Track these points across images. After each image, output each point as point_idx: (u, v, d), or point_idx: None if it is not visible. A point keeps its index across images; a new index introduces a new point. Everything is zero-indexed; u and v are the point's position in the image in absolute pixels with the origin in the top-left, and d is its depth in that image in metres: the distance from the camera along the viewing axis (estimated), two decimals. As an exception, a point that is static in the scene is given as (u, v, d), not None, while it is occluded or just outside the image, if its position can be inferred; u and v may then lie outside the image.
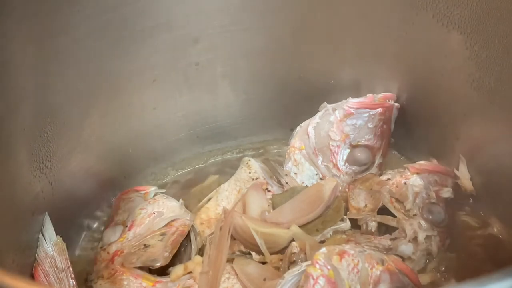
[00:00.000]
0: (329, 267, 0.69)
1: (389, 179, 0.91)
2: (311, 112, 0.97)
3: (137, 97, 0.97)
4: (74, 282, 0.81)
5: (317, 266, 0.69)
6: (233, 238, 0.82)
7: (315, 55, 0.99)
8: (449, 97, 0.90)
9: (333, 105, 0.97)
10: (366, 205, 0.90)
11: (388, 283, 0.71)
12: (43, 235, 0.82)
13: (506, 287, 0.44)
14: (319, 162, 0.96)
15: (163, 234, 0.86)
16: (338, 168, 0.96)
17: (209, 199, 0.95)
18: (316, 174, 0.97)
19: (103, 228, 0.94)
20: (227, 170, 1.03)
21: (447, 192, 0.89)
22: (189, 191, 1.01)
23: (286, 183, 0.95)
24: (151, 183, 1.02)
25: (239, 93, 1.04)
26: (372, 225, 0.87)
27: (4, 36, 0.74)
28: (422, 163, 0.92)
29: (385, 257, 0.74)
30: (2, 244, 0.73)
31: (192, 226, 0.89)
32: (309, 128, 0.96)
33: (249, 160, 0.98)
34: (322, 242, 0.84)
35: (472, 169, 0.90)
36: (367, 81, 0.99)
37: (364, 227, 0.87)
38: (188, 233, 0.88)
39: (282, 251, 0.82)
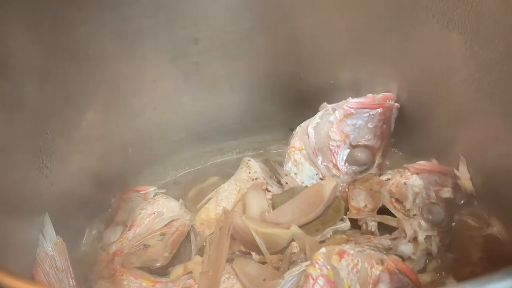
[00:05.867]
0: (328, 267, 0.69)
1: (389, 179, 0.91)
2: (311, 112, 0.97)
3: (137, 97, 0.97)
4: (74, 282, 0.81)
5: (317, 266, 0.69)
6: (233, 238, 0.82)
7: (315, 55, 0.99)
8: (449, 97, 0.90)
9: (333, 105, 0.97)
10: (366, 205, 0.90)
11: (387, 283, 0.71)
12: (43, 235, 0.82)
13: (506, 287, 0.44)
14: (319, 162, 0.96)
15: (163, 234, 0.86)
16: (338, 168, 0.96)
17: (209, 199, 0.96)
18: (316, 174, 0.97)
19: (103, 228, 0.94)
20: (227, 170, 1.03)
21: (447, 192, 0.89)
22: (189, 191, 1.01)
23: (286, 183, 0.95)
24: (151, 183, 1.02)
25: (239, 93, 1.04)
26: (372, 225, 0.87)
27: (4, 36, 0.74)
28: (422, 163, 0.92)
29: (385, 257, 0.74)
30: (2, 244, 0.73)
31: (192, 226, 0.89)
32: (309, 128, 0.96)
33: (249, 160, 0.98)
34: (322, 242, 0.84)
35: (472, 169, 0.90)
36: (367, 81, 0.99)
37: (364, 227, 0.87)
38: (188, 233, 0.88)
39: (282, 251, 0.82)
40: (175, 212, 0.90)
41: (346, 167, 0.97)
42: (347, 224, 0.87)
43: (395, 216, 0.86)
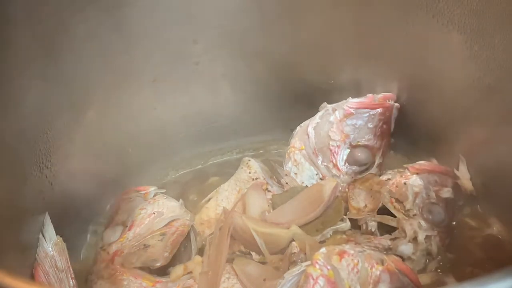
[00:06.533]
0: (328, 267, 0.69)
1: (389, 179, 0.91)
2: (311, 112, 0.97)
3: (137, 97, 0.97)
4: (74, 282, 0.81)
5: (317, 266, 0.69)
6: (233, 238, 0.82)
7: (315, 55, 0.99)
8: (449, 97, 0.90)
9: (333, 105, 0.97)
10: (366, 205, 0.90)
11: (388, 283, 0.71)
12: (43, 235, 0.82)
13: (506, 287, 0.44)
14: (319, 162, 0.96)
15: (163, 234, 0.86)
16: (338, 168, 0.96)
17: (209, 199, 0.96)
18: (316, 174, 0.97)
19: (103, 228, 0.94)
20: (227, 170, 1.03)
21: (447, 192, 0.89)
22: (189, 191, 1.01)
23: (286, 183, 0.95)
24: (151, 183, 1.02)
25: (239, 93, 1.04)
26: (372, 225, 0.87)
27: (5, 37, 0.74)
28: (422, 163, 0.92)
29: (385, 257, 0.74)
30: (2, 244, 0.73)
31: (192, 226, 0.89)
32: (309, 128, 0.96)
33: (249, 160, 0.98)
34: (322, 242, 0.85)
35: (472, 169, 0.90)
36: (367, 81, 0.99)
37: (364, 227, 0.87)
38: (188, 233, 0.88)
39: (282, 251, 0.82)
40: (175, 212, 0.90)
41: (346, 167, 0.97)
42: (347, 224, 0.87)
43: (395, 216, 0.86)
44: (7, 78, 0.76)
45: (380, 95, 0.97)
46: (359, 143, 0.97)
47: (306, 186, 0.95)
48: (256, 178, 0.95)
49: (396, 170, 0.93)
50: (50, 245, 0.82)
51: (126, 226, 0.89)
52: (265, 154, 1.07)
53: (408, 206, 0.86)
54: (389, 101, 0.97)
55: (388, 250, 0.82)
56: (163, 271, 0.84)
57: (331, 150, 0.96)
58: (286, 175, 0.96)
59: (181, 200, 0.93)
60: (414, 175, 0.90)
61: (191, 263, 0.83)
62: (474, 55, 0.82)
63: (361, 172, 0.96)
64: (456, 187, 0.90)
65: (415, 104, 0.97)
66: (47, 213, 0.84)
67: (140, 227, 0.88)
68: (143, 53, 0.93)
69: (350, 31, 0.95)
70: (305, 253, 0.79)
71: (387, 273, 0.72)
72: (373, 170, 0.97)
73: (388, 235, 0.85)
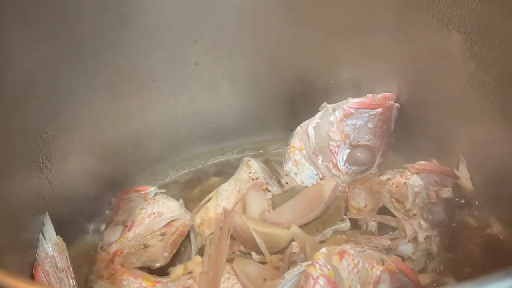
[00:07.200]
0: (329, 267, 0.69)
1: (389, 179, 0.91)
2: (311, 112, 0.97)
3: (137, 97, 0.97)
4: (74, 282, 0.81)
5: (317, 266, 0.69)
6: (233, 238, 0.82)
7: (315, 55, 0.99)
8: (449, 97, 0.90)
9: (333, 105, 0.97)
10: (366, 205, 0.90)
11: (388, 283, 0.71)
12: (43, 235, 0.82)
13: (506, 287, 0.44)
14: (319, 162, 0.96)
15: (163, 234, 0.86)
16: (338, 168, 0.96)
17: (209, 199, 0.95)
18: (316, 174, 0.97)
19: (103, 228, 0.94)
20: (227, 170, 1.03)
21: (447, 192, 0.89)
22: (189, 191, 1.01)
23: (286, 183, 0.95)
24: (151, 183, 1.02)
25: (239, 93, 1.04)
26: (372, 225, 0.87)
27: (5, 36, 0.74)
28: (422, 163, 0.92)
29: (385, 257, 0.74)
30: (2, 244, 0.73)
31: (192, 226, 0.89)
32: (309, 128, 0.96)
33: (249, 160, 0.98)
34: (322, 242, 0.85)
35: (472, 169, 0.90)
36: (367, 81, 0.99)
37: (364, 227, 0.87)
38: (188, 233, 0.88)
39: (282, 251, 0.82)
40: (175, 212, 0.90)
41: (346, 167, 0.97)
42: (347, 224, 0.87)
43: (395, 216, 0.86)
44: (7, 78, 0.76)
45: (380, 95, 0.97)
46: (359, 143, 0.97)
47: (306, 186, 0.95)
48: (256, 178, 0.95)
49: (396, 170, 0.93)
50: (50, 245, 0.82)
51: (126, 226, 0.89)
52: (265, 154, 1.07)
53: (408, 206, 0.86)
54: (389, 101, 0.97)
55: (388, 250, 0.82)
56: (163, 271, 0.84)
57: (331, 150, 0.96)
58: (286, 175, 0.96)
59: (181, 200, 0.93)
60: (414, 175, 0.90)
61: (191, 263, 0.83)
62: (474, 55, 0.82)
63: (361, 172, 0.96)
64: (456, 187, 0.90)
65: (415, 104, 0.97)
66: (47, 213, 0.84)
67: (140, 227, 0.88)
68: (143, 53, 0.93)
69: (350, 31, 0.95)
70: (305, 253, 0.79)
71: (387, 273, 0.72)
72: (373, 170, 0.97)
73: (388, 235, 0.85)
